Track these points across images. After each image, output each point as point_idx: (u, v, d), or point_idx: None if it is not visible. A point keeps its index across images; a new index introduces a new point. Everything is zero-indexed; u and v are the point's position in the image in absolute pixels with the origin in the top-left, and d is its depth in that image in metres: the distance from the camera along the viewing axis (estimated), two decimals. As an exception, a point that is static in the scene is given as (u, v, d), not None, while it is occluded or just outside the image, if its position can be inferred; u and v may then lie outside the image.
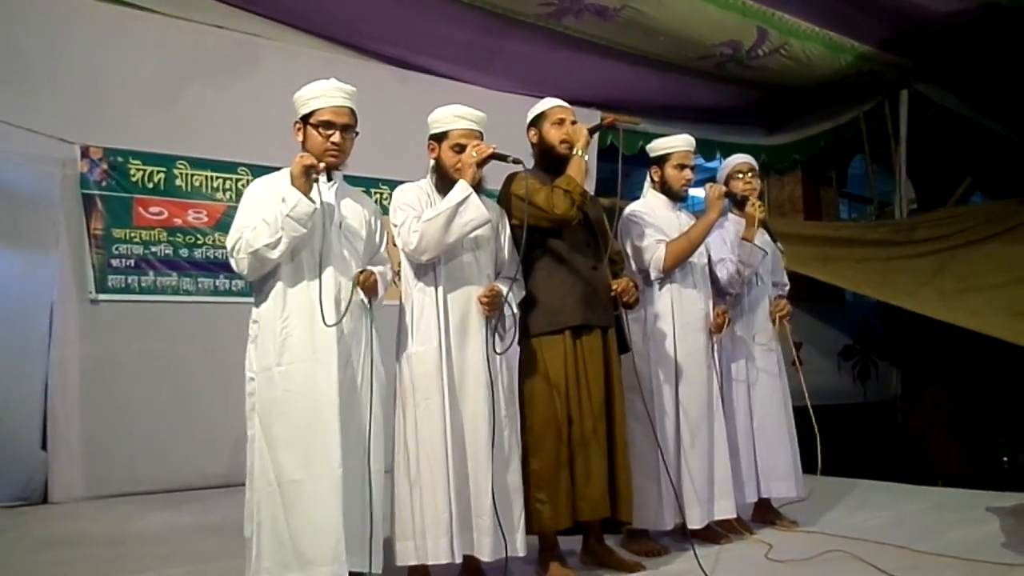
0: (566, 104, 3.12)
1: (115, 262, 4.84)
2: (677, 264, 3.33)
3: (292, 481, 2.41)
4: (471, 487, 2.64)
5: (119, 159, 4.90)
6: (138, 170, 4.97)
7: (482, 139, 2.81)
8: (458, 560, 2.62)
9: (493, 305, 2.71)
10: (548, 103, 3.10)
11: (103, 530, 3.78)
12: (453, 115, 2.81)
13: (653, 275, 3.33)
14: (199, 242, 5.12)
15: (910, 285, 6.25)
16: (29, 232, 4.64)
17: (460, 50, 5.90)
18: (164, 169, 5.05)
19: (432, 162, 2.86)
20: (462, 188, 2.63)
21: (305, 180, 2.44)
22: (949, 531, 3.46)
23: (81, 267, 4.75)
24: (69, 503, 4.41)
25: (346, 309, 2.51)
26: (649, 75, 6.51)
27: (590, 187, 3.15)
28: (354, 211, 2.67)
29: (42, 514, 4.22)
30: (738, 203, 3.76)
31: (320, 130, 2.55)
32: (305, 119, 2.59)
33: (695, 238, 3.33)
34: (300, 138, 2.62)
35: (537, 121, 3.10)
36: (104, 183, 4.85)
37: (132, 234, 4.91)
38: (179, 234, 5.07)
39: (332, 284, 2.52)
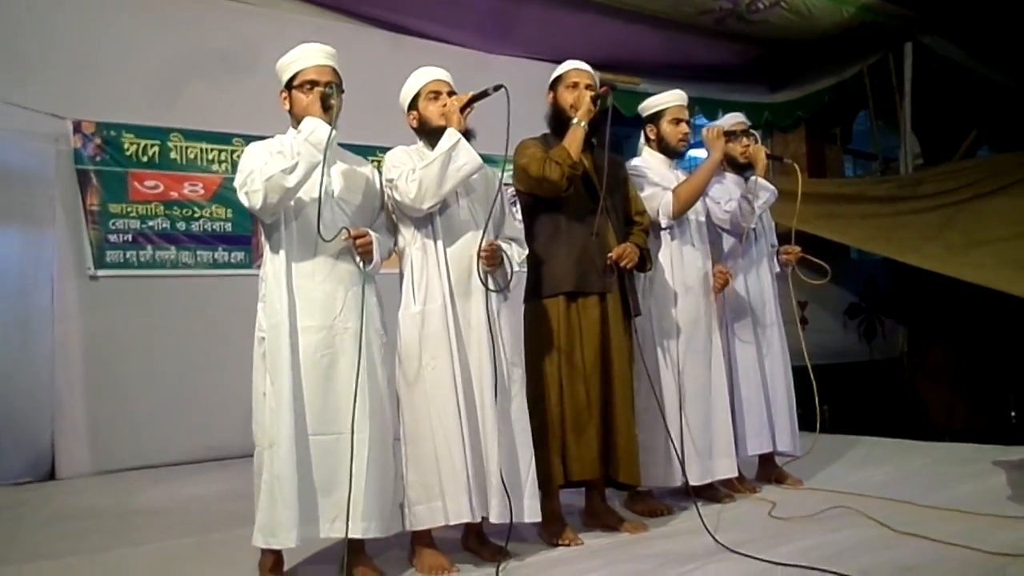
0: (585, 67, 3.09)
1: (112, 237, 4.81)
2: (685, 209, 3.31)
3: (309, 439, 2.40)
4: (482, 447, 2.61)
5: (112, 133, 4.85)
6: (132, 144, 4.92)
7: (453, 91, 2.78)
8: (477, 519, 2.60)
9: (492, 259, 2.68)
10: (566, 66, 3.10)
11: (108, 504, 3.81)
12: (417, 76, 2.82)
13: (664, 223, 3.30)
14: (196, 215, 5.08)
15: (916, 240, 6.20)
16: (25, 209, 4.61)
17: (452, 12, 5.79)
18: (158, 142, 5.00)
19: (415, 128, 2.83)
20: (451, 134, 2.60)
21: (321, 110, 2.43)
22: (954, 486, 3.44)
23: (79, 243, 4.72)
24: (76, 479, 4.43)
25: (336, 236, 2.46)
26: (648, 33, 6.40)
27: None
28: (347, 177, 2.62)
29: (49, 490, 4.24)
30: (738, 165, 3.72)
31: (305, 89, 2.50)
32: (289, 85, 2.55)
33: (700, 180, 3.32)
34: (287, 106, 2.58)
35: (555, 85, 3.10)
36: (98, 158, 4.80)
37: (128, 208, 4.88)
38: (176, 207, 5.03)
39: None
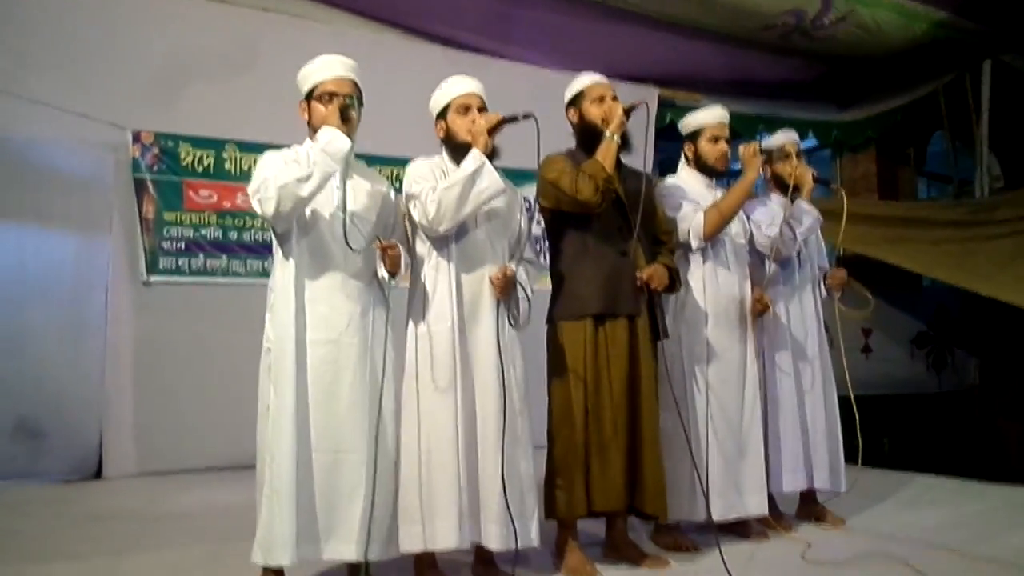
0: (604, 79, 3.01)
1: (166, 245, 4.94)
2: (718, 230, 3.17)
3: (312, 455, 2.38)
4: (480, 473, 2.55)
5: (170, 143, 4.99)
6: (188, 154, 5.05)
7: (484, 105, 2.74)
8: (465, 546, 2.54)
9: (505, 287, 2.62)
10: (585, 80, 3.00)
11: (143, 506, 3.88)
12: (448, 87, 2.77)
13: (694, 244, 3.17)
14: (248, 224, 5.17)
15: (988, 268, 5.88)
16: (83, 216, 4.77)
17: (505, 27, 5.78)
18: (213, 153, 5.12)
19: (441, 139, 2.79)
20: (475, 156, 2.55)
21: (340, 121, 2.41)
22: (1011, 534, 3.21)
23: (133, 250, 4.86)
24: (121, 479, 4.55)
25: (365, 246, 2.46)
26: (709, 49, 6.26)
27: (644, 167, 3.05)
28: (363, 191, 2.59)
29: (93, 489, 4.36)
30: (784, 187, 3.55)
31: (324, 100, 2.49)
32: (308, 96, 2.54)
33: (734, 201, 3.17)
34: (305, 117, 2.56)
35: (576, 100, 3.01)
36: (155, 167, 4.94)
37: (183, 217, 5.01)
38: (228, 217, 5.14)
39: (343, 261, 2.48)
